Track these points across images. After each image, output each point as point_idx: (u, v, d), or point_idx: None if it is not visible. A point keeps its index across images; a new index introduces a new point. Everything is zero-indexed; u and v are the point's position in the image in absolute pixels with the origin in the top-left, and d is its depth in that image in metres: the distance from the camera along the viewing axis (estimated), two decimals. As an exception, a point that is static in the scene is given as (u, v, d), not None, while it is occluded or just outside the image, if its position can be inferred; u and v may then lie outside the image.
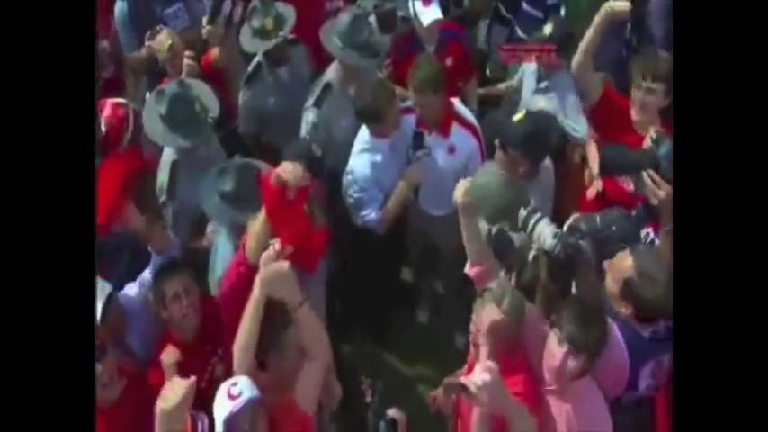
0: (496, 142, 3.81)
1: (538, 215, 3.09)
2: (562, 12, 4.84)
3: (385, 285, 4.83)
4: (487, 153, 4.22)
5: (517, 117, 3.83)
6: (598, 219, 3.22)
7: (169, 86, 4.04)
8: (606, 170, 3.51)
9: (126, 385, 3.26)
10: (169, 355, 3.39)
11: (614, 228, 3.16)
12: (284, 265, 3.00)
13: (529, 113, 3.89)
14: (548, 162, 3.99)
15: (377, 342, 4.99)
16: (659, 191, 3.07)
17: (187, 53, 4.40)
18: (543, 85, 4.38)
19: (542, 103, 4.14)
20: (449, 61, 4.73)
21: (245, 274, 3.20)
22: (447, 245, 4.37)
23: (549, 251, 3.02)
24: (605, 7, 3.96)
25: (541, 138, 3.81)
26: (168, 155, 4.15)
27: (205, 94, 4.11)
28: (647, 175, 3.08)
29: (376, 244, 4.38)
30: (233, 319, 3.11)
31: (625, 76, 4.20)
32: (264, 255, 3.07)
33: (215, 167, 3.73)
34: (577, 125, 4.29)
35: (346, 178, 4.26)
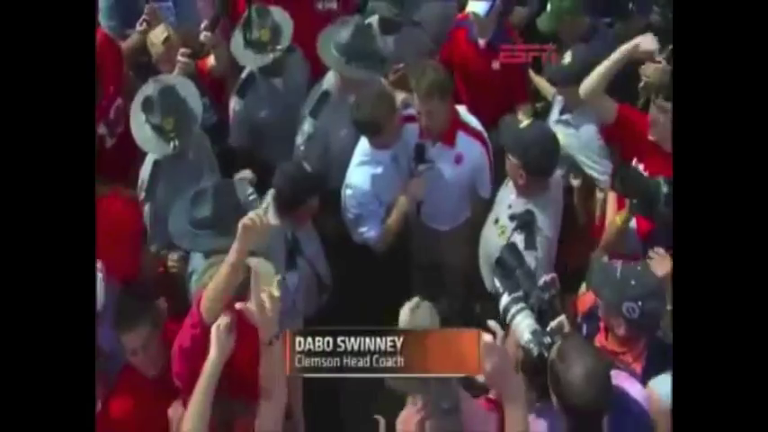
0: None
1: (519, 305, 2.84)
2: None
3: (386, 302, 4.59)
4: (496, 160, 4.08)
5: (524, 123, 3.76)
6: (618, 269, 3.04)
7: (154, 88, 3.86)
8: (617, 187, 3.58)
9: None
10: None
11: (633, 282, 2.98)
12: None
13: (535, 123, 3.82)
14: (558, 176, 3.85)
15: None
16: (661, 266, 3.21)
17: (182, 50, 4.18)
18: (565, 117, 4.14)
19: (560, 136, 3.89)
20: (495, 65, 4.42)
21: (199, 336, 2.82)
22: (452, 261, 4.31)
23: (525, 347, 2.78)
24: (633, 43, 3.74)
25: (541, 151, 3.65)
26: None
27: (192, 97, 3.92)
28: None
29: (377, 260, 4.19)
30: (183, 383, 2.88)
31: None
32: (216, 327, 2.74)
33: (188, 194, 3.52)
34: (597, 165, 4.05)
35: (345, 192, 4.07)
